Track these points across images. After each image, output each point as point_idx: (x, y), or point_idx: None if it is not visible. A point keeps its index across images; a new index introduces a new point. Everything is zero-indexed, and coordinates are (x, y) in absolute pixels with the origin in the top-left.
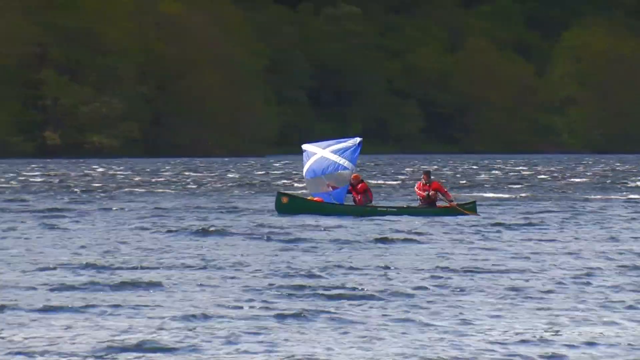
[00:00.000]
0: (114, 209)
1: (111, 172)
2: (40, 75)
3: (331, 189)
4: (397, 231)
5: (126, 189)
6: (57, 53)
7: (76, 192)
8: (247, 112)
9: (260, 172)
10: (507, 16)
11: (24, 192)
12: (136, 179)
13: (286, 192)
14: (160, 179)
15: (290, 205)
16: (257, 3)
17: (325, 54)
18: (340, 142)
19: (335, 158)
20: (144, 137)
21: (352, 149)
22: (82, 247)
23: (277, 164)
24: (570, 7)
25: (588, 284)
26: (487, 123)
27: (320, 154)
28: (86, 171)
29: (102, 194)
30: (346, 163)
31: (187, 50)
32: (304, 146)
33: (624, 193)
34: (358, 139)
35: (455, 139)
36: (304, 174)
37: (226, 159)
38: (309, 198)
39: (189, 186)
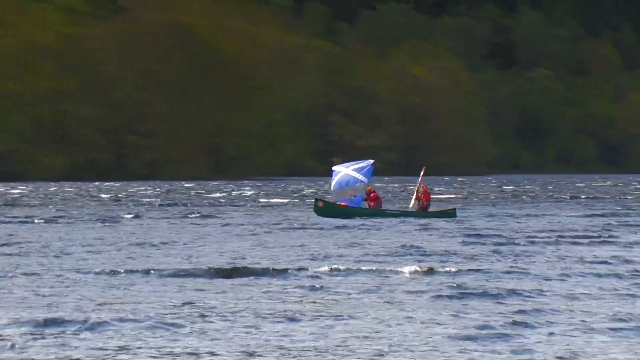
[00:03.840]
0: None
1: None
2: (328, 118)
3: (352, 197)
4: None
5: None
6: (340, 103)
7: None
8: (472, 144)
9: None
10: None
11: None
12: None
13: (321, 198)
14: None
15: (325, 209)
16: (481, 67)
17: (527, 103)
18: (359, 162)
19: (355, 174)
20: (401, 161)
21: (367, 168)
22: None
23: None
24: None
25: None
26: None
27: (344, 171)
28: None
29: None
30: (362, 178)
31: (431, 100)
32: (334, 167)
33: None
34: (371, 161)
35: (620, 163)
36: (332, 186)
37: (459, 178)
38: (337, 203)
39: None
